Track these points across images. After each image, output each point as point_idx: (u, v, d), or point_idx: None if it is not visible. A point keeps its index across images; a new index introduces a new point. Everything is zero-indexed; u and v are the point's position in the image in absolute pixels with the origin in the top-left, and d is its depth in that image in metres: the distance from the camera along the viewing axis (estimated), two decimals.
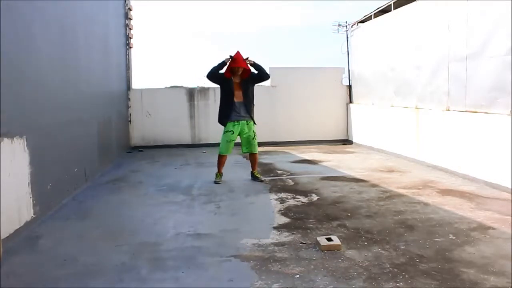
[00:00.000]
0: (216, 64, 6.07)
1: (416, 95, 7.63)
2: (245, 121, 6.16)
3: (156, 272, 3.12)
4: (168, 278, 3.01)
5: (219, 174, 6.25)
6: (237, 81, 6.12)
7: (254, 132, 6.22)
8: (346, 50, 10.74)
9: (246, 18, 23.17)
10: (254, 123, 6.28)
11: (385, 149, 8.68)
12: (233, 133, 6.13)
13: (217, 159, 6.31)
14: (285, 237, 3.82)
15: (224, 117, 6.17)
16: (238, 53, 6.04)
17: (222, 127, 6.24)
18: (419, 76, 7.52)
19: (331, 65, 11.22)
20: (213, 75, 6.09)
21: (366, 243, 3.64)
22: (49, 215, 4.52)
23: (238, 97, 6.10)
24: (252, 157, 6.34)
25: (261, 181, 6.20)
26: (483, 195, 5.19)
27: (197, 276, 3.03)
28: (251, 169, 6.39)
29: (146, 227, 4.20)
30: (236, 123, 6.13)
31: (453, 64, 6.49)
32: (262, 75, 6.22)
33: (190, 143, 10.35)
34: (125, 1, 9.79)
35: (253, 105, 6.27)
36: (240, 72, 6.06)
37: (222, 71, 6.11)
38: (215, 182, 6.13)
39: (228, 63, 6.04)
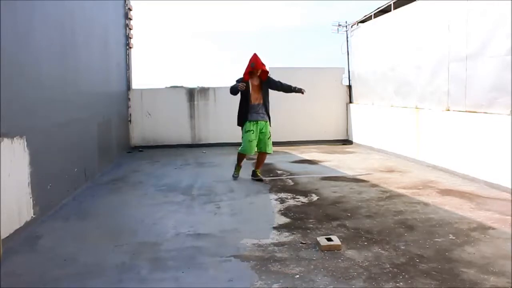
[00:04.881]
0: (233, 87, 6.15)
1: (416, 95, 7.63)
2: (264, 122, 6.25)
3: (156, 272, 3.12)
4: (168, 278, 3.01)
5: (238, 167, 6.44)
6: (255, 84, 6.23)
7: (269, 132, 6.31)
8: (346, 50, 10.75)
9: (246, 18, 23.17)
10: (270, 124, 6.38)
11: (385, 149, 8.68)
12: (253, 133, 6.19)
13: (237, 156, 6.45)
14: (285, 237, 3.82)
15: (243, 118, 6.25)
16: (255, 55, 6.15)
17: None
18: (419, 76, 7.52)
19: (331, 65, 11.22)
20: (233, 93, 6.23)
21: (366, 243, 3.64)
22: (49, 215, 4.52)
23: (257, 99, 6.23)
24: (261, 156, 6.40)
25: (261, 180, 6.21)
26: (483, 195, 5.19)
27: (197, 276, 3.04)
28: (254, 168, 6.43)
29: (146, 227, 4.20)
30: (255, 123, 6.20)
31: (453, 64, 6.49)
32: (286, 90, 6.42)
33: (190, 143, 10.32)
34: (125, 1, 9.79)
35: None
36: (258, 74, 6.18)
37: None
38: (233, 176, 6.37)
39: (246, 68, 6.16)
